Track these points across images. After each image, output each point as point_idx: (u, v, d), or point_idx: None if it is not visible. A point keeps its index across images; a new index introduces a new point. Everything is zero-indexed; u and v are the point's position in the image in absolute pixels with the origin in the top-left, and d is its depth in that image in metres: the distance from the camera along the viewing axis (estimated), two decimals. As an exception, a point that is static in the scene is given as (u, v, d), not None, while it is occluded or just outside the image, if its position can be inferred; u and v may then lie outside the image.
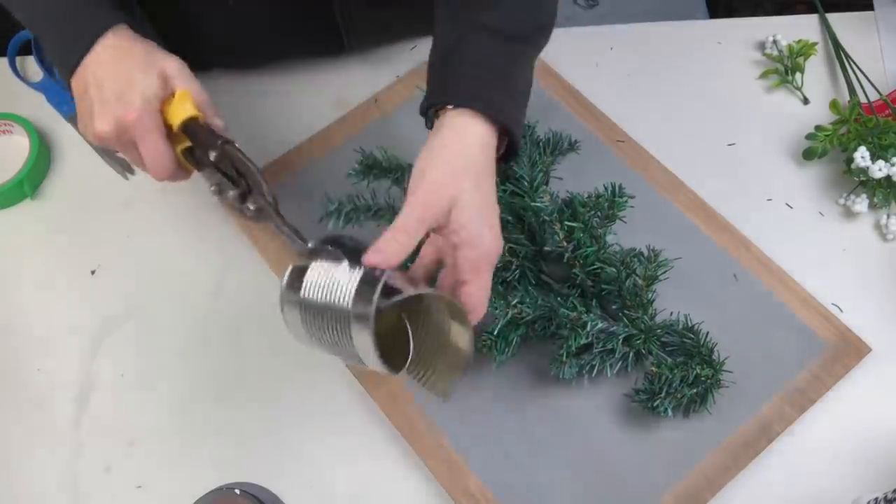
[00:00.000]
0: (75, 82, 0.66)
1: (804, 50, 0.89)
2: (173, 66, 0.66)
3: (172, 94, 0.65)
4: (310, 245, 0.58)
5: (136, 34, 0.68)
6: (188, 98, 0.65)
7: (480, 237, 0.61)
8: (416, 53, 0.93)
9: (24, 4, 0.70)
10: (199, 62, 0.90)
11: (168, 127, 0.64)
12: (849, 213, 0.81)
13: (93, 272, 0.81)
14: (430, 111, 0.66)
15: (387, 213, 0.76)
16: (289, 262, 0.78)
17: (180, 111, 0.64)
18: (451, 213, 0.60)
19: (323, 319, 0.56)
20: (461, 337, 0.61)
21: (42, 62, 0.91)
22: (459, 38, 0.67)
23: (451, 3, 0.69)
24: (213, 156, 0.63)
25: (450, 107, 0.63)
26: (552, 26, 0.71)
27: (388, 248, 0.57)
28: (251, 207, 0.63)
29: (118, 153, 0.67)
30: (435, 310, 0.62)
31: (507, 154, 0.67)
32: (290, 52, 0.91)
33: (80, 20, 0.67)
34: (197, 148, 0.65)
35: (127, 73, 0.64)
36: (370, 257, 0.56)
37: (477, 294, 0.61)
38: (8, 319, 0.78)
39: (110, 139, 0.64)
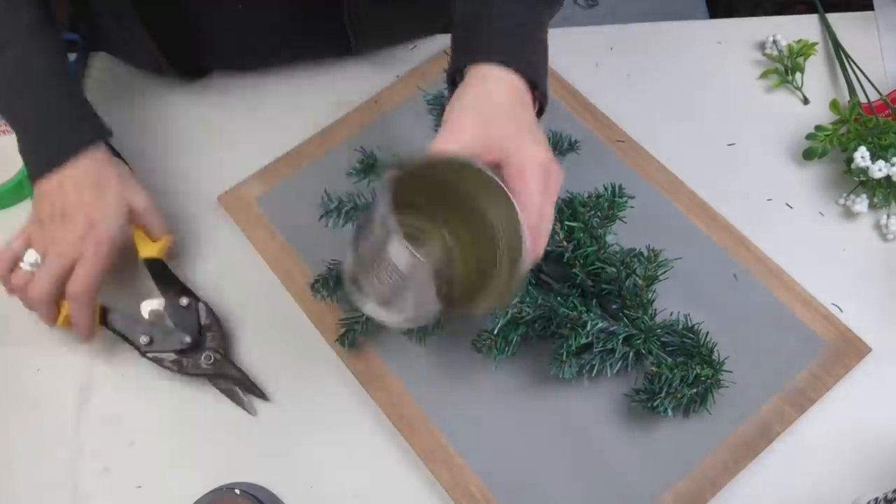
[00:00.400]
0: (42, 199, 0.70)
1: (804, 50, 0.89)
2: (146, 202, 0.74)
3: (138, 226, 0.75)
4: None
5: (112, 156, 0.73)
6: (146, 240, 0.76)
7: (523, 145, 0.58)
8: (415, 53, 0.93)
9: (6, 96, 0.72)
10: (201, 66, 0.91)
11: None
12: (849, 213, 0.81)
13: (93, 272, 0.81)
14: (457, 76, 0.64)
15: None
16: (287, 262, 0.79)
17: (143, 249, 0.76)
18: (484, 133, 0.58)
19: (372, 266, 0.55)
20: (510, 230, 0.57)
21: None
22: (483, 2, 0.65)
23: None
24: (183, 301, 0.75)
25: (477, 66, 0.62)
26: None
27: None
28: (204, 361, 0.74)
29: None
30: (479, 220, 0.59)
31: (538, 114, 0.66)
32: (295, 55, 0.91)
33: (64, 130, 0.71)
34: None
35: (99, 206, 0.70)
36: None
37: (526, 202, 0.57)
38: (8, 319, 0.78)
39: (47, 297, 0.71)
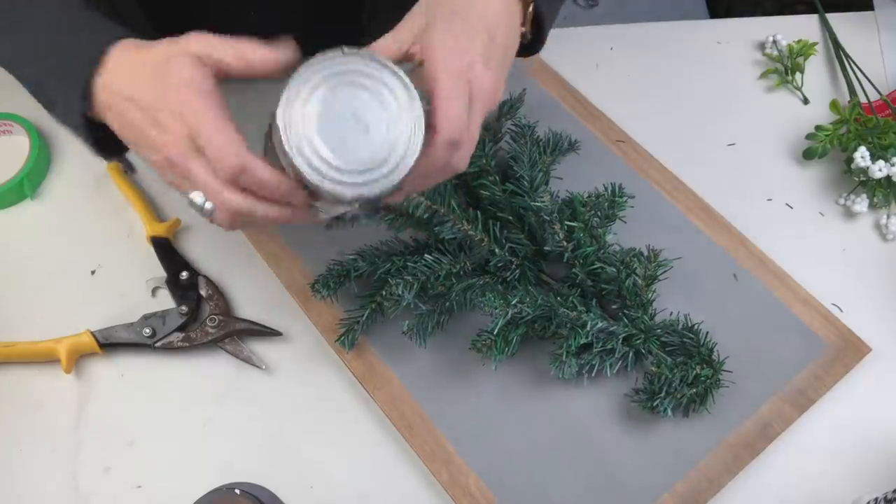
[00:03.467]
0: (107, 115, 0.56)
1: (804, 50, 0.89)
2: (197, 44, 0.54)
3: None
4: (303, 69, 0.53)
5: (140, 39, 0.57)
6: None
7: (444, 55, 0.54)
8: (416, 53, 0.93)
9: (12, 47, 0.60)
10: None
11: None
12: (849, 213, 0.81)
13: (93, 272, 0.81)
14: None
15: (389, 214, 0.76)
16: (287, 262, 0.79)
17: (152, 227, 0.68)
18: (422, 33, 0.55)
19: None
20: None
21: None
22: None
23: None
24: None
25: None
26: None
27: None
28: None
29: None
30: None
31: (532, 44, 0.63)
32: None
33: (78, 43, 0.57)
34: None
35: (156, 87, 0.53)
36: None
37: (445, 103, 0.53)
38: (8, 319, 0.78)
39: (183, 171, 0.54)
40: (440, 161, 0.55)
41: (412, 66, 0.57)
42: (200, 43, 0.54)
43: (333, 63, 0.52)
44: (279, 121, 0.51)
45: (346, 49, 0.53)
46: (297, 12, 0.83)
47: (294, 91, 0.52)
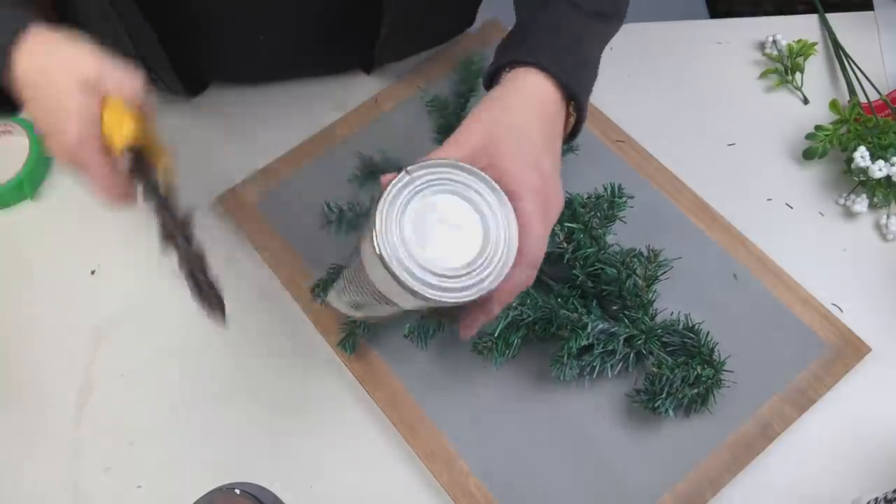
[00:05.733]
0: (20, 89, 0.60)
1: (804, 50, 0.89)
2: (95, 66, 0.58)
3: (106, 99, 0.58)
4: (410, 178, 0.52)
5: (52, 30, 0.60)
6: (124, 112, 0.58)
7: (520, 171, 0.54)
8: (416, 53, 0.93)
9: None
10: (204, 81, 0.90)
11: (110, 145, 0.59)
12: (849, 213, 0.81)
13: (93, 272, 0.81)
14: (495, 76, 0.62)
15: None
16: (287, 263, 0.79)
17: (119, 132, 0.58)
18: (488, 147, 0.55)
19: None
20: None
21: None
22: (537, 10, 0.64)
23: None
24: (141, 193, 0.60)
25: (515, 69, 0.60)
26: (626, 11, 0.69)
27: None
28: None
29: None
30: None
31: (574, 130, 0.64)
32: (313, 76, 0.91)
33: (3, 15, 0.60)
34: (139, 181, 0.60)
35: (53, 87, 0.58)
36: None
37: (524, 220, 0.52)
38: (8, 319, 0.78)
39: (65, 162, 0.60)
40: (522, 281, 0.55)
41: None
42: (93, 66, 0.58)
43: (421, 176, 0.51)
44: (375, 227, 0.49)
45: (414, 166, 0.51)
46: (304, 35, 0.83)
47: (386, 204, 0.50)
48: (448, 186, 0.51)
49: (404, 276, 0.48)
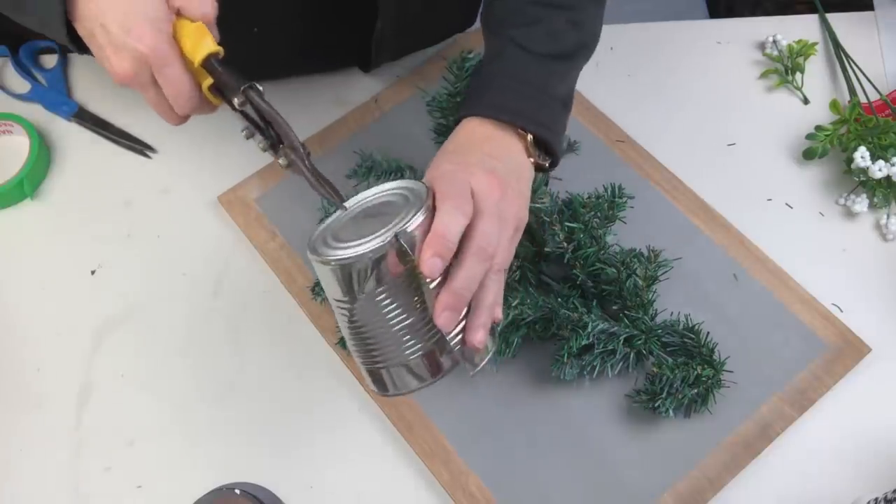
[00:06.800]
0: (79, 28, 0.59)
1: (804, 50, 0.89)
2: None
3: (178, 15, 0.58)
4: (346, 204, 0.59)
5: None
6: (205, 31, 0.58)
7: (437, 163, 0.61)
8: (415, 54, 0.93)
9: None
10: None
11: (187, 61, 0.58)
12: (849, 213, 0.81)
13: (93, 272, 0.81)
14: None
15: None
16: (287, 262, 0.79)
17: (199, 46, 0.57)
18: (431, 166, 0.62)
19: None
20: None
21: (24, 71, 0.91)
22: (496, 53, 0.68)
23: (492, 23, 0.70)
24: (236, 102, 0.58)
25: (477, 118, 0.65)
26: (595, 45, 0.72)
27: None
28: (281, 162, 0.60)
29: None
30: None
31: (551, 164, 0.67)
32: (310, 72, 0.91)
33: None
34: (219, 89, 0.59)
35: (126, 2, 0.57)
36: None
37: (438, 223, 0.55)
38: (8, 319, 0.78)
39: (131, 79, 0.58)
40: (439, 251, 0.56)
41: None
42: None
43: (357, 202, 0.61)
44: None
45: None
46: (299, 28, 0.83)
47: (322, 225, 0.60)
48: (379, 197, 0.60)
49: (322, 249, 0.56)
